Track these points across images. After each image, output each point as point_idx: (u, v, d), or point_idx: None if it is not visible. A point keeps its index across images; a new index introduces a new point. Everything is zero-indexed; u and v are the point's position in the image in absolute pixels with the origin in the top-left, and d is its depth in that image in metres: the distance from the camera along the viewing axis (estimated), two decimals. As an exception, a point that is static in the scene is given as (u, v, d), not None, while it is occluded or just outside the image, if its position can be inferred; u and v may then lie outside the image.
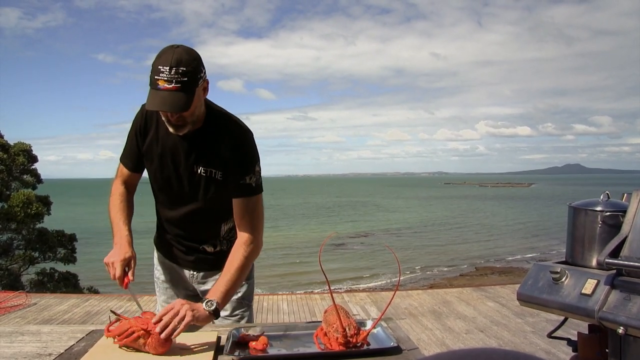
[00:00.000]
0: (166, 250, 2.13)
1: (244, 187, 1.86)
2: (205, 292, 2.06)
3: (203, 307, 1.66)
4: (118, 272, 1.77)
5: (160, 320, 1.52)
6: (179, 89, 1.64)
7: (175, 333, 1.52)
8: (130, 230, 1.92)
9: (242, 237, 1.86)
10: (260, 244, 1.90)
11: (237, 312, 2.09)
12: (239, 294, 2.10)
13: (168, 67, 1.62)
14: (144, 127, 1.92)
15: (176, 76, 1.62)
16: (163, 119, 1.78)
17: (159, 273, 2.19)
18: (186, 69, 1.64)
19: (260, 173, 1.90)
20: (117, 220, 1.93)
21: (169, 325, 1.52)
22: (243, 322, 2.08)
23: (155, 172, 1.96)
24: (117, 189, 2.01)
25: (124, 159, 2.02)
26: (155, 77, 1.64)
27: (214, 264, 2.05)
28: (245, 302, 2.11)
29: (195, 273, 2.10)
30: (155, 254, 2.21)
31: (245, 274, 1.86)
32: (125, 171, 2.02)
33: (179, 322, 1.54)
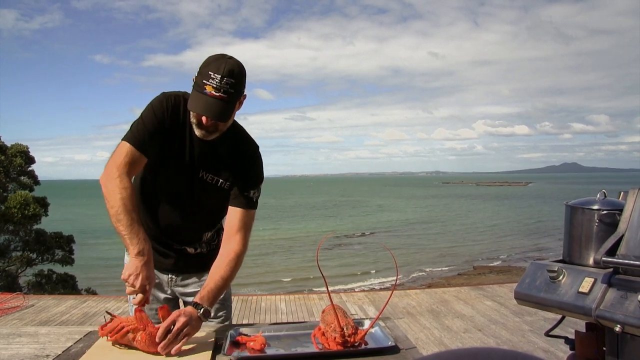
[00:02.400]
0: None
1: (247, 199, 1.89)
2: (186, 294, 2.10)
3: (199, 316, 1.65)
4: (139, 301, 1.66)
5: (164, 335, 1.53)
6: (224, 99, 1.67)
7: (174, 350, 1.54)
8: (148, 239, 1.74)
9: (232, 250, 1.84)
10: (243, 258, 1.90)
11: (220, 313, 2.11)
12: (221, 296, 2.11)
13: (220, 76, 1.65)
14: (170, 118, 1.82)
15: (225, 86, 1.66)
16: (193, 120, 1.76)
17: None
18: (235, 81, 1.68)
19: (261, 191, 1.95)
20: (134, 224, 1.71)
21: (170, 343, 1.54)
22: (227, 322, 2.11)
23: (161, 169, 1.89)
24: (126, 182, 1.74)
25: (139, 140, 1.78)
26: (204, 81, 1.66)
27: (193, 266, 2.07)
28: (227, 304, 2.15)
29: (174, 277, 2.08)
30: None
31: (231, 281, 1.87)
32: (136, 154, 1.77)
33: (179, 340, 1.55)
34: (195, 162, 1.88)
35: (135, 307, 1.65)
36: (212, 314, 2.07)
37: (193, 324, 1.60)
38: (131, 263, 1.67)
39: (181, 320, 1.57)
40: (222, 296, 2.09)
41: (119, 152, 1.78)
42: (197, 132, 1.78)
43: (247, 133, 1.98)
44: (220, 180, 1.90)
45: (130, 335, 1.55)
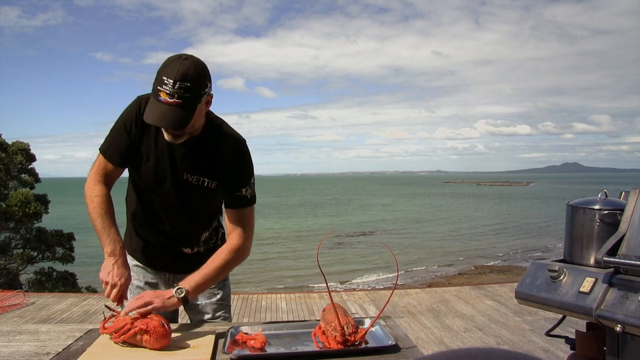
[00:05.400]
0: (140, 254, 2.09)
1: (239, 199, 1.86)
2: None
3: (173, 293, 1.69)
4: (114, 296, 1.78)
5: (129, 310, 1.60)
6: (179, 105, 1.60)
7: (143, 310, 1.59)
8: (121, 239, 1.87)
9: (231, 243, 1.85)
10: (247, 252, 1.89)
11: (218, 314, 2.10)
12: (218, 296, 2.10)
13: (172, 81, 1.57)
14: (142, 125, 1.80)
15: (179, 91, 1.58)
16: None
17: (132, 279, 2.09)
18: (190, 84, 1.59)
19: (254, 185, 1.90)
20: (105, 227, 1.84)
21: (136, 309, 1.60)
22: (225, 322, 2.09)
23: (146, 173, 1.88)
24: (98, 190, 1.88)
25: (109, 152, 1.87)
26: (158, 87, 1.60)
27: (191, 266, 2.05)
28: (225, 304, 2.13)
29: (171, 276, 2.08)
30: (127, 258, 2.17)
31: (223, 275, 1.87)
32: (109, 166, 1.89)
33: (146, 305, 1.61)
34: (176, 165, 1.85)
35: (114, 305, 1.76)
36: (211, 315, 2.07)
37: (166, 303, 1.67)
38: (105, 262, 1.80)
39: (152, 296, 1.66)
40: (219, 296, 2.09)
41: (96, 161, 1.91)
42: (165, 136, 1.75)
43: (230, 129, 1.90)
44: (206, 180, 1.86)
45: (138, 337, 1.55)
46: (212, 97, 1.75)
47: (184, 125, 1.66)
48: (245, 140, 1.91)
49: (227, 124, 1.91)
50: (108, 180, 1.91)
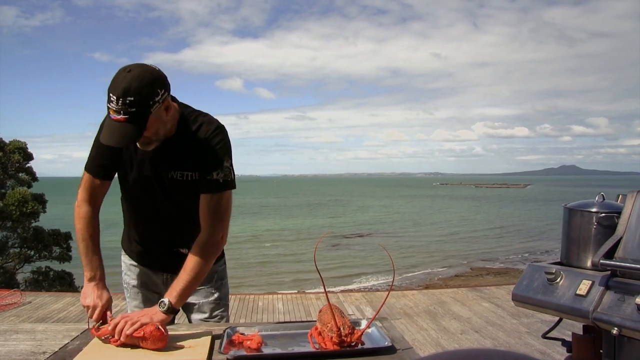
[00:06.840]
0: (137, 255, 2.09)
1: (211, 183, 1.79)
2: None
3: (158, 308, 1.70)
4: (96, 316, 1.78)
5: (114, 328, 1.59)
6: (127, 120, 1.57)
7: (132, 330, 1.56)
8: (102, 264, 1.89)
9: (201, 236, 1.81)
10: (219, 244, 1.85)
11: (215, 313, 2.08)
12: (215, 295, 2.08)
13: (116, 97, 1.54)
14: None
15: (123, 107, 1.54)
16: None
17: (129, 278, 2.13)
18: (134, 98, 1.54)
19: (230, 169, 1.83)
20: (88, 252, 1.87)
21: (122, 329, 1.58)
22: (222, 322, 2.08)
23: (133, 179, 1.88)
24: (84, 212, 1.89)
25: (93, 168, 1.88)
26: (108, 105, 1.58)
27: None
28: (223, 303, 2.11)
29: (169, 276, 2.06)
30: (123, 258, 2.15)
31: (204, 272, 1.82)
32: (95, 182, 1.89)
33: (133, 325, 1.58)
34: (159, 165, 1.84)
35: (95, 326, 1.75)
36: (208, 314, 2.07)
37: (154, 318, 1.64)
38: (84, 288, 1.85)
39: (139, 315, 1.63)
40: (216, 295, 2.08)
41: (82, 179, 1.91)
42: (137, 144, 1.74)
43: (205, 118, 1.84)
44: (190, 174, 1.83)
45: (135, 341, 1.56)
46: (169, 102, 1.69)
47: (134, 140, 1.64)
48: (218, 125, 1.84)
49: (203, 114, 1.86)
50: (95, 198, 1.91)
